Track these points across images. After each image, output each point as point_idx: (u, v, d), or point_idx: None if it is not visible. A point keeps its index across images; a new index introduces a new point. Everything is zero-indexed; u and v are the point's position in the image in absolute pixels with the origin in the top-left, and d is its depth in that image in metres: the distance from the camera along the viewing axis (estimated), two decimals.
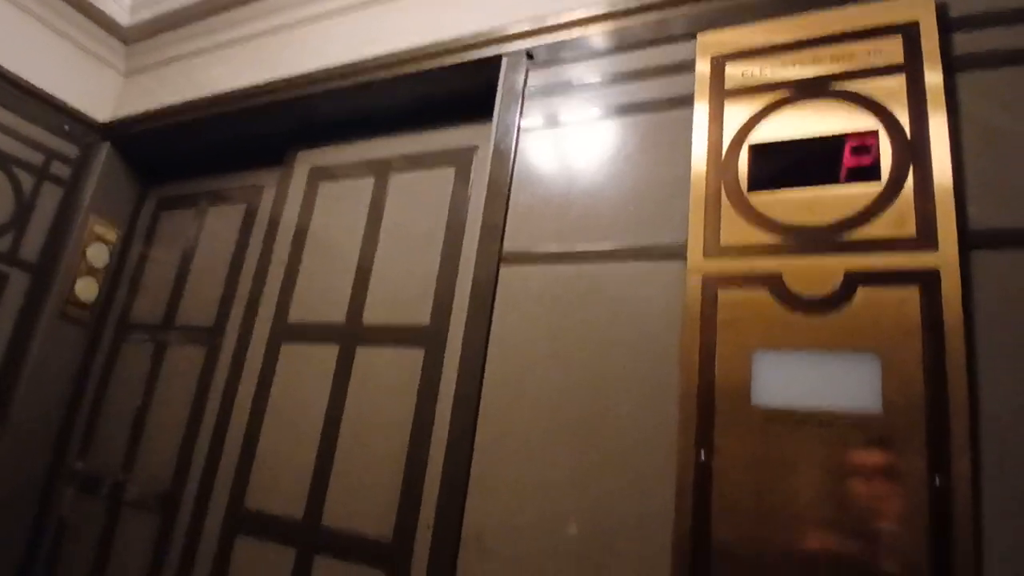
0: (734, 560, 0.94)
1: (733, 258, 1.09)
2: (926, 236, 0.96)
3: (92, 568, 1.90)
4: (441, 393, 1.48)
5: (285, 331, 1.78)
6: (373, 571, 1.41)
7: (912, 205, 0.99)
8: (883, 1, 1.12)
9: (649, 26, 1.35)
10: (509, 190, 1.39)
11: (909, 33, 1.08)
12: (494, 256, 1.35)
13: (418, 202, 1.71)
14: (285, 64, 1.91)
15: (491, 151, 1.45)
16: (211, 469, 1.75)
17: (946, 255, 0.94)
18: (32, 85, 2.06)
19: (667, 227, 1.19)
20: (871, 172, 1.03)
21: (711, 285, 1.09)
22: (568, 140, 1.37)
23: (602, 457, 1.12)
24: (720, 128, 1.18)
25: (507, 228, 1.36)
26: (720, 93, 1.21)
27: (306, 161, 1.97)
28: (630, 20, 1.38)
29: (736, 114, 1.18)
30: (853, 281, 0.99)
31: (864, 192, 1.03)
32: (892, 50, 1.09)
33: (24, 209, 2.03)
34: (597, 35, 1.40)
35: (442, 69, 1.61)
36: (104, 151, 2.25)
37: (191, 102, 2.08)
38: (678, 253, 1.16)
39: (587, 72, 1.40)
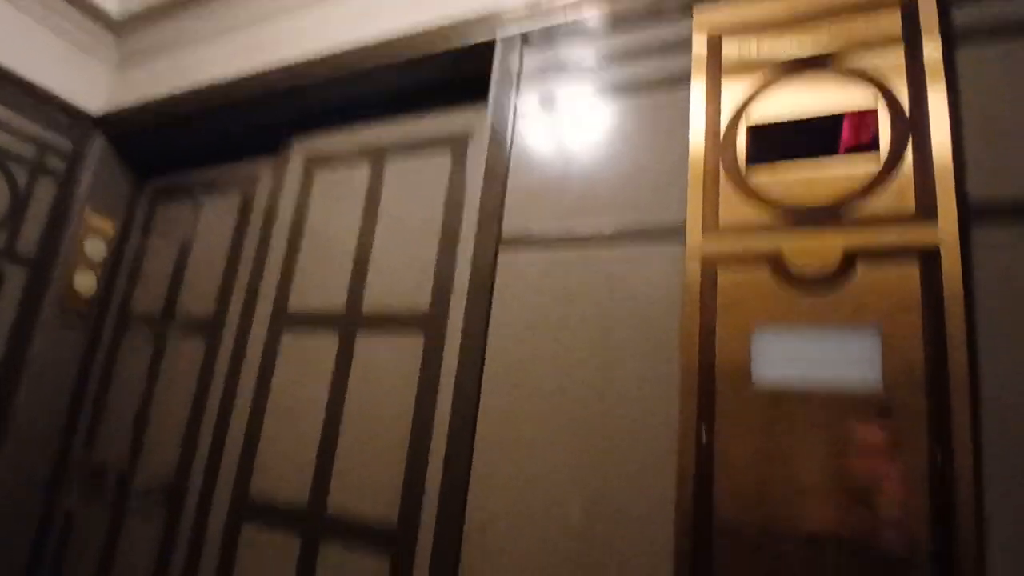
0: (737, 538, 0.95)
1: (732, 237, 1.08)
2: (926, 212, 0.96)
3: (100, 560, 1.91)
4: (442, 379, 1.48)
5: (285, 320, 1.78)
6: (378, 557, 1.42)
7: (911, 181, 0.98)
8: None
9: (645, 4, 1.33)
10: (506, 174, 1.38)
11: (907, 7, 1.06)
12: (493, 240, 1.34)
13: (415, 188, 1.70)
14: (278, 50, 1.89)
15: (488, 135, 1.44)
16: (215, 460, 1.76)
17: (946, 231, 0.94)
18: (23, 78, 2.04)
19: (666, 207, 1.19)
20: (870, 148, 1.03)
21: (710, 265, 1.09)
22: (565, 122, 1.36)
23: (604, 438, 1.12)
24: (718, 106, 1.17)
25: (505, 212, 1.36)
26: (717, 70, 1.20)
27: (301, 149, 1.96)
28: None
29: (734, 92, 1.17)
30: (853, 258, 0.99)
31: (863, 168, 1.02)
32: (890, 24, 1.07)
33: (19, 204, 2.02)
34: (592, 15, 1.39)
35: (437, 53, 1.59)
36: (98, 143, 2.23)
37: (184, 92, 2.06)
38: (677, 233, 1.15)
39: (583, 53, 1.39)
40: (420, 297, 1.58)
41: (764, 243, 1.05)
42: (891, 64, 1.05)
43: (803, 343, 0.99)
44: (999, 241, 0.93)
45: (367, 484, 1.50)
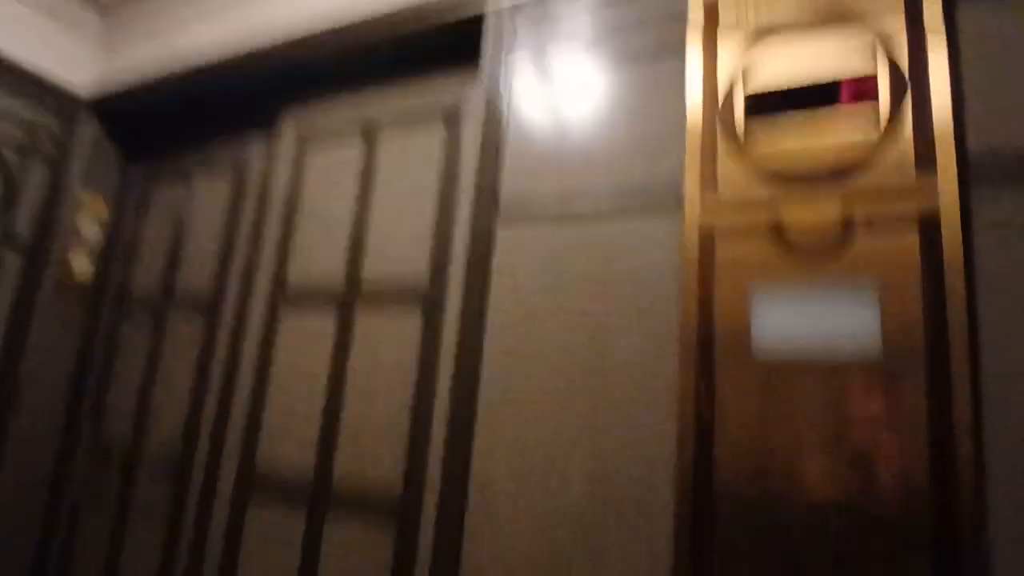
0: (736, 500, 0.96)
1: (731, 205, 1.08)
2: (926, 175, 0.95)
3: (109, 537, 1.94)
4: (442, 350, 1.48)
5: (284, 296, 1.78)
6: (383, 526, 1.44)
7: (911, 144, 0.97)
8: None
9: None
10: (502, 147, 1.37)
11: None
12: (490, 214, 1.33)
13: (410, 161, 1.68)
14: (268, 24, 1.85)
15: (483, 108, 1.42)
16: (219, 439, 1.78)
17: (946, 196, 0.93)
18: (8, 58, 2.01)
19: (664, 177, 1.18)
20: (869, 112, 1.01)
21: (709, 232, 1.08)
22: (560, 94, 1.35)
23: (605, 402, 1.13)
24: (714, 74, 1.16)
25: (501, 185, 1.35)
26: (713, 37, 1.18)
27: (294, 123, 1.94)
28: None
29: (731, 59, 1.15)
30: (852, 223, 0.98)
31: (862, 133, 1.01)
32: None
33: (11, 187, 2.01)
34: None
35: (429, 24, 1.56)
36: (88, 124, 2.21)
37: (173, 69, 2.03)
38: (676, 202, 1.14)
39: (578, 22, 1.36)
40: (419, 267, 1.58)
41: (763, 210, 1.05)
42: (890, 24, 1.03)
43: (802, 309, 0.99)
44: (999, 206, 0.92)
45: (370, 456, 1.51)
